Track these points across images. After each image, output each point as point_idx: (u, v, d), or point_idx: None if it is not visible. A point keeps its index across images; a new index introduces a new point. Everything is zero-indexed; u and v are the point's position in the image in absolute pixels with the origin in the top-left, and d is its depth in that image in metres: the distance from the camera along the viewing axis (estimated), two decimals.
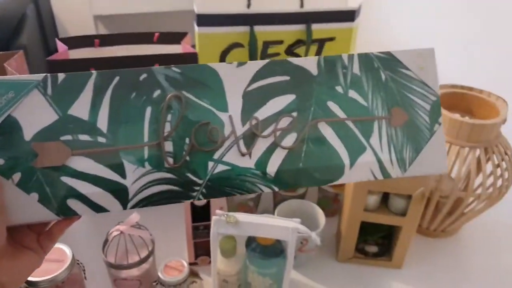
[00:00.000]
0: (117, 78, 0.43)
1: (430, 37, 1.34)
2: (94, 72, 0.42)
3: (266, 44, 0.97)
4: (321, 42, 0.99)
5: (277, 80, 0.46)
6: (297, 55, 1.00)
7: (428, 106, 0.49)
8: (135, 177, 0.43)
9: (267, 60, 0.46)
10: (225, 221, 0.62)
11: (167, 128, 0.43)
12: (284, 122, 0.46)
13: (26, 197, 0.41)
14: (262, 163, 0.45)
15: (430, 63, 0.49)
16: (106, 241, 0.70)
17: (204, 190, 0.44)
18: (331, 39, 0.99)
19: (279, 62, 0.46)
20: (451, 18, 1.29)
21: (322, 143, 0.46)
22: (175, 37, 0.95)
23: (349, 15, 0.97)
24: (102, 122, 0.42)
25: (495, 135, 0.78)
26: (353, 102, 0.47)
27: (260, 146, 0.45)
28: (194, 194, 0.44)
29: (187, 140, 0.44)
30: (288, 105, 0.46)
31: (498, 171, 0.79)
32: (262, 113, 0.45)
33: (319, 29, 0.97)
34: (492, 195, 0.80)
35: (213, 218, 0.63)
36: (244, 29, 0.94)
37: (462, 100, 0.86)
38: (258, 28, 0.94)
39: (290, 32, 0.96)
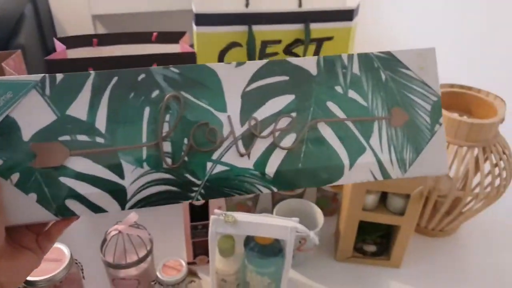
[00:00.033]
0: (115, 79, 0.43)
1: (428, 37, 1.34)
2: (92, 72, 0.42)
3: (265, 44, 0.97)
4: (320, 42, 0.99)
5: (276, 80, 0.46)
6: (295, 55, 1.00)
7: (428, 106, 0.48)
8: (133, 178, 0.43)
9: (266, 60, 0.46)
10: (223, 220, 0.62)
11: (166, 128, 0.43)
12: (283, 122, 0.46)
13: (24, 198, 0.41)
14: (261, 163, 0.45)
15: (431, 63, 0.48)
16: (104, 240, 0.70)
17: (202, 191, 0.44)
18: (329, 38, 0.99)
19: (278, 62, 0.46)
20: (450, 17, 1.29)
21: (321, 143, 0.46)
22: (174, 37, 0.95)
23: (347, 15, 0.97)
24: (101, 123, 0.42)
25: (493, 134, 0.78)
26: (353, 102, 0.47)
27: (259, 146, 0.45)
28: (193, 194, 0.44)
29: (185, 141, 0.44)
30: (287, 105, 0.46)
31: (496, 170, 0.79)
32: (261, 113, 0.45)
33: (317, 29, 0.97)
34: (490, 195, 0.80)
35: (212, 217, 0.63)
36: (242, 28, 0.94)
37: (460, 100, 0.86)
38: (256, 28, 0.94)
39: (289, 31, 0.96)
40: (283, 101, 0.46)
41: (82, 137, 0.42)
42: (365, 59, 0.47)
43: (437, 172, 0.49)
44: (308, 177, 0.46)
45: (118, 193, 0.43)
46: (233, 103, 0.45)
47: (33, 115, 0.41)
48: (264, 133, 0.45)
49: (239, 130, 0.45)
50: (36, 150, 0.41)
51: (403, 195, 0.75)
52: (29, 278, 0.60)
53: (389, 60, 0.48)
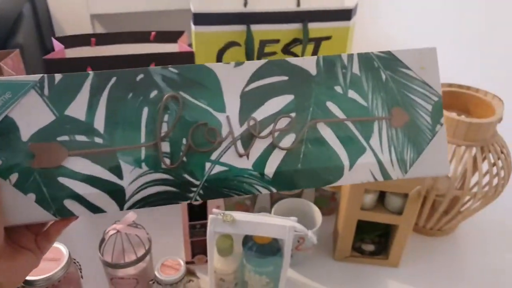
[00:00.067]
0: (114, 79, 0.42)
1: (427, 36, 1.34)
2: (91, 72, 0.42)
3: (263, 43, 0.97)
4: (318, 41, 0.99)
5: (275, 80, 0.46)
6: (294, 54, 1.00)
7: (429, 107, 0.48)
8: (132, 178, 0.43)
9: (265, 60, 0.45)
10: (222, 220, 0.62)
11: (164, 128, 0.43)
12: (283, 122, 0.45)
13: (23, 198, 0.41)
14: (260, 164, 0.45)
15: (432, 63, 0.48)
16: (102, 240, 0.70)
17: (201, 191, 0.44)
18: (328, 38, 0.99)
19: (277, 62, 0.46)
20: (448, 17, 1.29)
21: (321, 144, 0.46)
22: (172, 36, 0.95)
23: (345, 14, 0.97)
24: (99, 123, 0.42)
25: (491, 134, 0.79)
26: (353, 102, 0.47)
27: (258, 147, 0.45)
28: (191, 195, 0.44)
29: (184, 141, 0.44)
30: (287, 106, 0.46)
31: (494, 169, 0.79)
32: (260, 114, 0.45)
33: (316, 28, 0.97)
34: (488, 194, 0.80)
35: (210, 217, 0.63)
36: (241, 28, 0.94)
37: (458, 99, 0.86)
38: (254, 27, 0.94)
39: (287, 31, 0.96)
40: (282, 101, 0.46)
41: (80, 137, 0.42)
42: (365, 59, 0.47)
43: (438, 172, 0.49)
44: (308, 177, 0.46)
45: (117, 194, 0.42)
46: (232, 103, 0.45)
47: (31, 115, 0.41)
48: (263, 133, 0.45)
49: (238, 130, 0.45)
50: (35, 150, 0.41)
51: (401, 195, 0.75)
52: (27, 278, 0.60)
53: (390, 60, 0.48)
